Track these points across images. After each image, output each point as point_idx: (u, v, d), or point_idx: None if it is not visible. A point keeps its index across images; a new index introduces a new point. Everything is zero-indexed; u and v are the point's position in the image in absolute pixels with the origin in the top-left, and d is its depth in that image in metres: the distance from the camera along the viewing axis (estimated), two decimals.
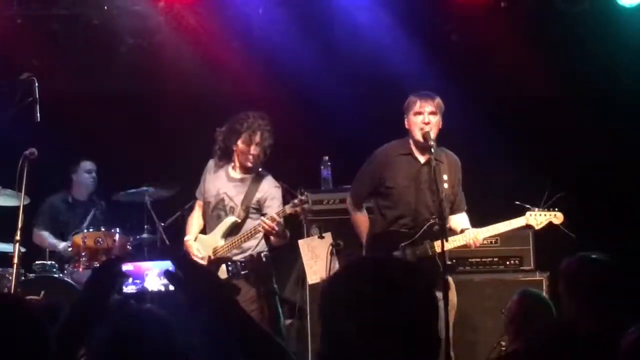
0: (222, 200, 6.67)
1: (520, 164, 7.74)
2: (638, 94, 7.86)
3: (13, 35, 8.08)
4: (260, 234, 6.52)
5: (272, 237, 6.48)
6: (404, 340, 2.07)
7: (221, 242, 6.57)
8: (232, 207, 6.62)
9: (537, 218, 6.28)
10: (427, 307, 2.15)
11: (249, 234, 6.46)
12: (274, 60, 8.30)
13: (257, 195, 6.61)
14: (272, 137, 6.59)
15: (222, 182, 6.73)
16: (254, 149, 6.54)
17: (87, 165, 8.39)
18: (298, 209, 6.25)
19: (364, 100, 8.18)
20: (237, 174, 6.71)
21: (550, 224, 6.30)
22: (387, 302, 2.09)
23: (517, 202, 6.26)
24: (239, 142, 6.58)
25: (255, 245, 6.60)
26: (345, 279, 2.21)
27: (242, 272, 6.42)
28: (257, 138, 6.53)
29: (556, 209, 6.29)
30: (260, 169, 6.68)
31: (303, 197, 6.24)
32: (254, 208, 6.59)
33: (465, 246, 6.28)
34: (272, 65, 8.32)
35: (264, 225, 6.31)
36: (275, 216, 6.31)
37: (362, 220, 6.53)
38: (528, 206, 6.25)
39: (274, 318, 6.46)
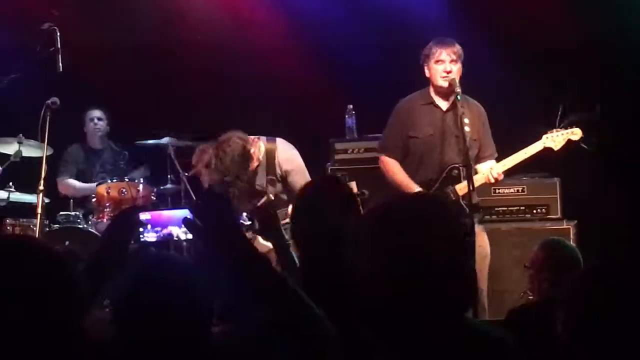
0: None
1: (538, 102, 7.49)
2: None
3: None
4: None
5: None
6: (437, 275, 2.06)
7: None
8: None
9: (555, 139, 6.19)
10: (459, 240, 2.13)
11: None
12: (298, 9, 8.20)
13: (277, 169, 6.49)
14: (230, 161, 6.24)
15: None
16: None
17: (92, 113, 8.38)
18: None
19: (388, 48, 8.06)
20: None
21: (569, 142, 6.20)
22: (417, 237, 2.07)
23: (536, 128, 6.19)
24: None
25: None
26: (374, 216, 2.16)
27: (247, 224, 5.70)
28: (215, 176, 6.39)
29: (573, 126, 6.20)
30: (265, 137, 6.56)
31: None
32: (279, 180, 6.49)
33: (486, 184, 6.22)
34: (296, 14, 8.22)
35: None
36: None
37: (395, 165, 6.33)
38: (544, 129, 6.18)
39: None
